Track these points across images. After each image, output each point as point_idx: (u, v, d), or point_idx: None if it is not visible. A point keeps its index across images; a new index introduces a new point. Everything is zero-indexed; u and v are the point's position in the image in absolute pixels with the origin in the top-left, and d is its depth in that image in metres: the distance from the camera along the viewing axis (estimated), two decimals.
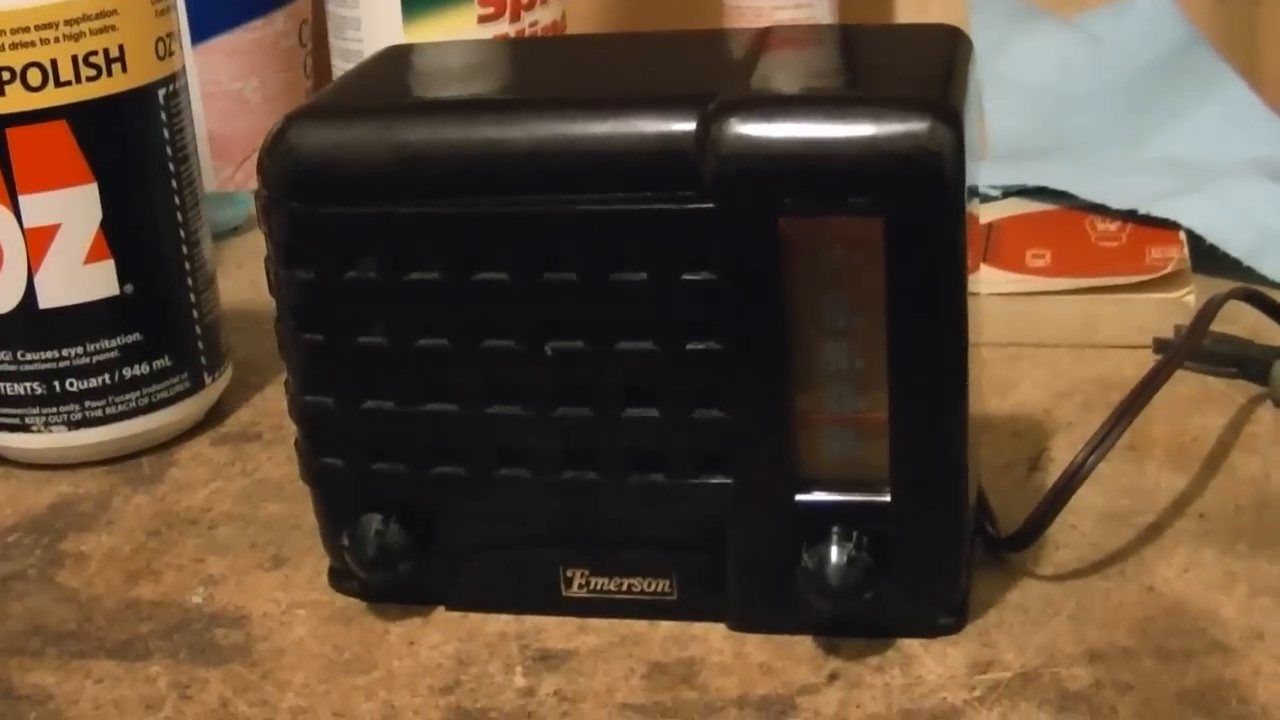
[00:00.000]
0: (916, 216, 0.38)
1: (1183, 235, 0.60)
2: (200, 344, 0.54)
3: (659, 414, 0.41)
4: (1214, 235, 0.59)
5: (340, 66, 0.67)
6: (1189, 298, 0.56)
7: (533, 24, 0.65)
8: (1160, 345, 0.55)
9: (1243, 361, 0.53)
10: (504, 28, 0.64)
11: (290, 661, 0.43)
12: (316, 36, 0.82)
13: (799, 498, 0.41)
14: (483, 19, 0.64)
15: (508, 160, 0.40)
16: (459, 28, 0.64)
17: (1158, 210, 0.60)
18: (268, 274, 0.43)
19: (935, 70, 0.41)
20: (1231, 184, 0.62)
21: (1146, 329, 0.56)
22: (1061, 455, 0.50)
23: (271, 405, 0.57)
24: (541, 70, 0.45)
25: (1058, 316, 0.57)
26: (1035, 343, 0.57)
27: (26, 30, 0.49)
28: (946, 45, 0.43)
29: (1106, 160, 0.67)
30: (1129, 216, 0.61)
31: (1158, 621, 0.42)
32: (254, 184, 0.79)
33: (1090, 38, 0.73)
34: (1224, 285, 0.58)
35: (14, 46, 0.49)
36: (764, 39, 0.44)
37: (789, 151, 0.38)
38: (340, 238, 0.41)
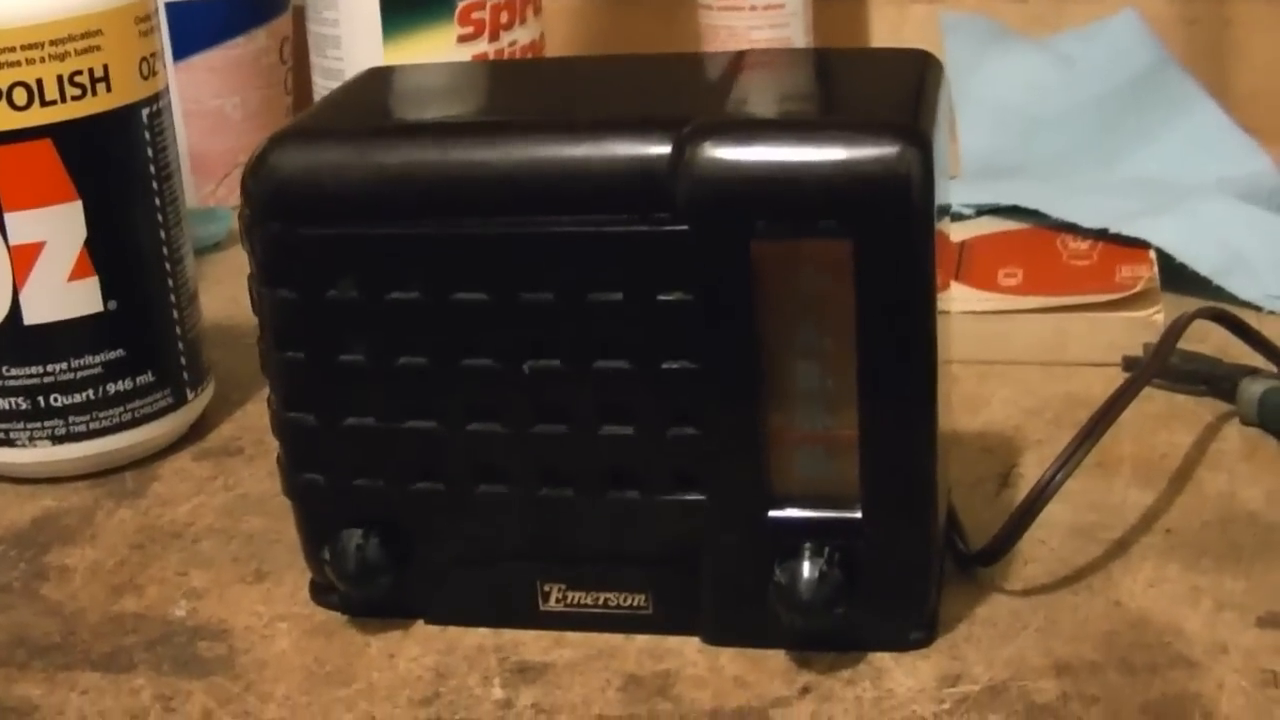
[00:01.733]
0: (885, 239, 0.39)
1: (1152, 254, 0.61)
2: (183, 360, 0.55)
3: (634, 432, 0.41)
4: (1183, 254, 0.60)
5: (321, 84, 0.68)
6: (1158, 316, 0.57)
7: (511, 43, 0.66)
8: (1129, 363, 0.56)
9: (1210, 380, 0.54)
10: (483, 47, 0.65)
11: (272, 674, 0.43)
12: (297, 54, 0.83)
13: (771, 514, 0.42)
14: (462, 39, 0.65)
15: (485, 182, 0.41)
16: (439, 47, 0.65)
17: (1128, 230, 0.61)
18: (250, 292, 0.44)
19: (905, 94, 0.42)
20: (1200, 204, 0.63)
21: (1116, 347, 0.57)
22: (1031, 472, 0.51)
23: (252, 420, 0.58)
24: (519, 93, 0.46)
25: (1028, 334, 0.58)
26: (1006, 360, 0.58)
27: (13, 50, 0.50)
28: (916, 69, 0.44)
29: (1077, 180, 0.68)
30: (1100, 235, 0.62)
31: (1123, 635, 0.43)
32: (235, 200, 0.80)
33: (1062, 59, 0.74)
34: (1193, 304, 0.59)
35: (0, 66, 0.50)
36: (738, 62, 0.45)
37: (761, 175, 0.39)
38: (321, 258, 0.42)
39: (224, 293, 0.69)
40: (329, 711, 0.42)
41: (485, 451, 0.43)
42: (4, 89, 0.50)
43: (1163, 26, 0.75)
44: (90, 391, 0.53)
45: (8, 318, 0.52)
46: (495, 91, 0.46)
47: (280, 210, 0.42)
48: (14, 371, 0.52)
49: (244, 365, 0.62)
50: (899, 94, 0.42)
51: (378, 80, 0.47)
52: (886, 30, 0.79)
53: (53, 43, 0.50)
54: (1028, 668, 0.42)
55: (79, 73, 0.51)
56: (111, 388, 0.53)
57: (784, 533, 0.42)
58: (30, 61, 0.50)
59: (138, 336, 0.54)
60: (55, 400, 0.53)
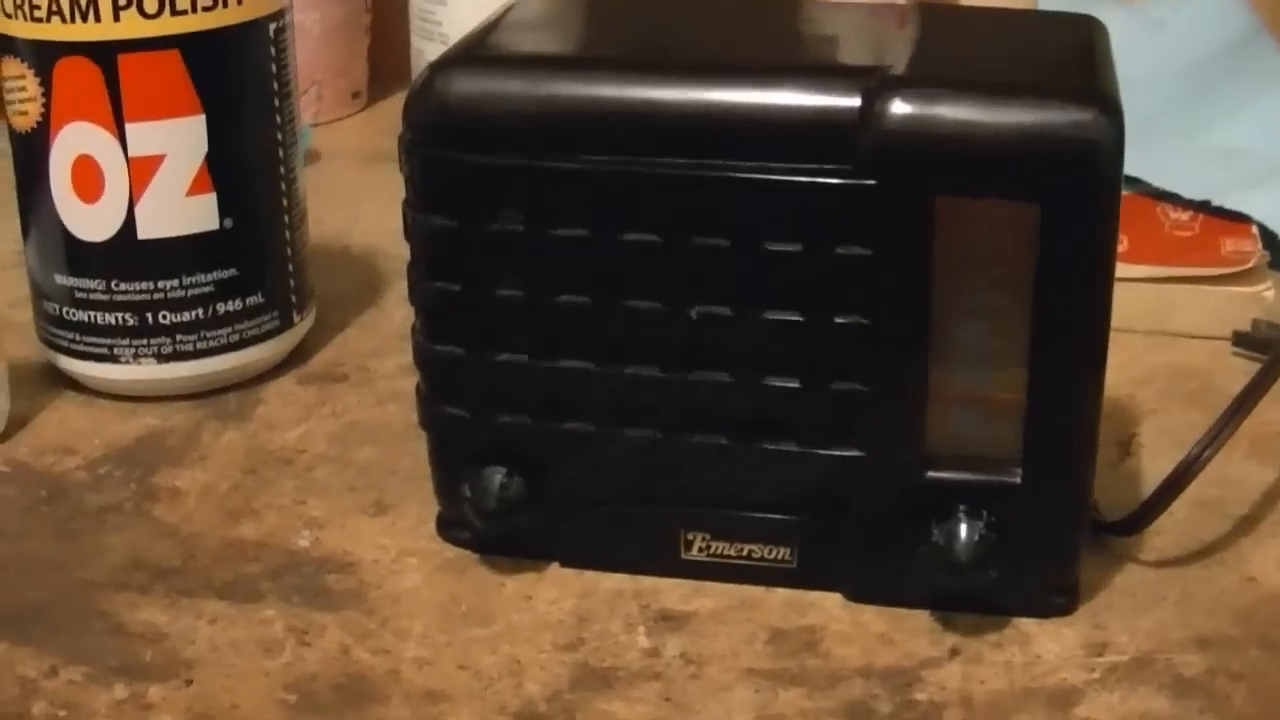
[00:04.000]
0: (1073, 205, 0.39)
1: (1254, 229, 0.60)
2: (292, 282, 0.54)
3: (797, 383, 0.41)
4: None
5: (419, 6, 0.67)
6: (1269, 293, 0.57)
7: None
8: (1239, 338, 0.56)
9: None
10: None
11: (406, 610, 0.43)
12: None
13: (928, 474, 0.41)
14: None
15: (665, 122, 0.40)
16: None
17: (1230, 203, 0.61)
18: (404, 218, 0.43)
19: (1086, 60, 0.41)
20: None
21: (1222, 320, 0.57)
22: (1150, 441, 0.51)
23: (353, 345, 0.57)
24: (687, 31, 0.45)
25: (1135, 302, 0.57)
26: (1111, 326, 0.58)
27: None
28: (1089, 34, 0.44)
29: (1168, 146, 0.68)
30: (1201, 207, 0.62)
31: (1260, 611, 0.43)
32: (311, 117, 0.79)
33: (1152, 22, 0.73)
34: None
35: None
36: (916, 17, 0.44)
37: (951, 134, 0.39)
38: (484, 187, 0.41)
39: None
40: (470, 652, 0.41)
41: (640, 394, 0.42)
42: None
43: None
44: (200, 310, 0.52)
45: (121, 231, 0.51)
46: (662, 27, 0.45)
47: (445, 136, 0.41)
48: (124, 286, 0.51)
49: (338, 287, 0.61)
50: (1080, 59, 0.42)
51: (533, 9, 0.46)
52: None
53: None
54: (1170, 640, 0.42)
55: None
56: (221, 307, 0.52)
57: (940, 492, 0.41)
58: None
59: (251, 256, 0.53)
60: (164, 318, 0.52)
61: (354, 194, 0.72)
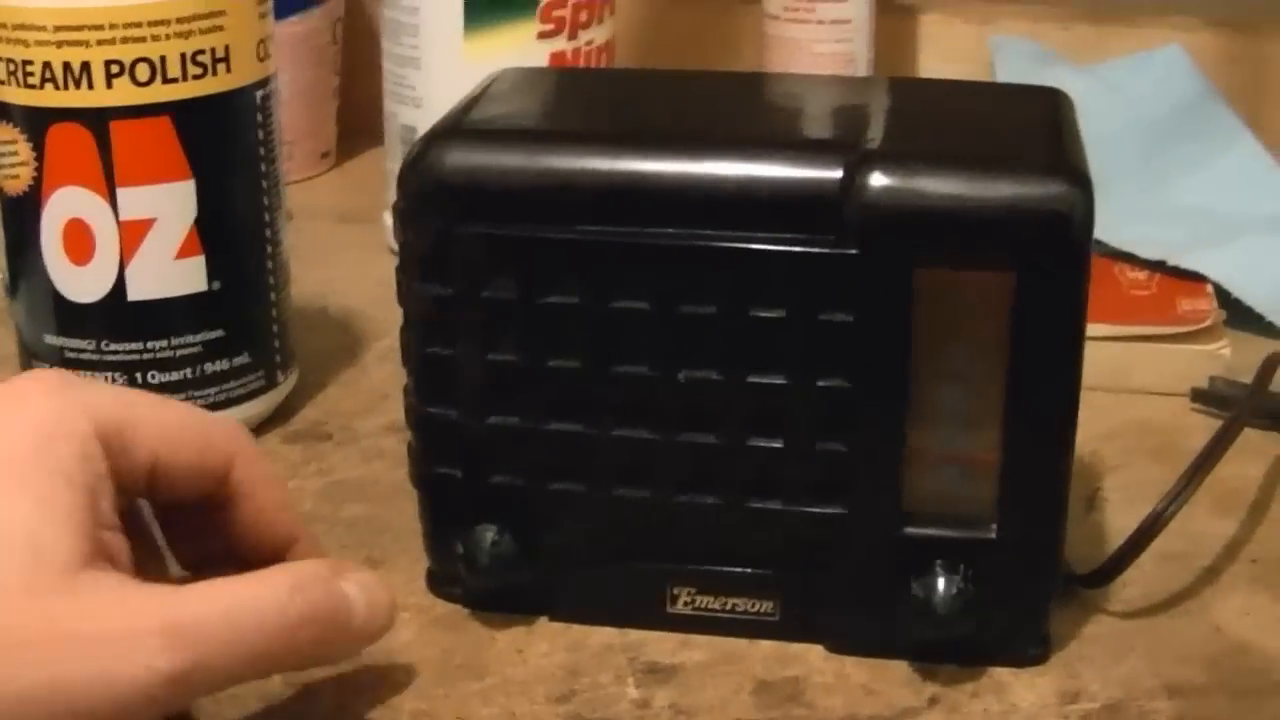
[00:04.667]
0: (1047, 273, 0.41)
1: (1209, 288, 0.63)
2: (276, 342, 0.55)
3: (782, 444, 0.43)
4: (1238, 289, 0.63)
5: (392, 70, 0.68)
6: (1225, 350, 0.59)
7: (589, 42, 0.66)
8: (1198, 395, 0.58)
9: (1277, 416, 0.56)
10: (562, 45, 0.66)
11: (402, 664, 0.44)
12: (348, 37, 0.83)
13: (907, 530, 0.43)
14: (542, 35, 0.65)
15: (655, 194, 0.42)
16: (518, 42, 0.65)
17: (1185, 262, 0.63)
18: (398, 284, 0.44)
19: (1055, 133, 0.43)
20: (1252, 239, 0.65)
21: (1181, 377, 0.59)
22: (1114, 496, 0.53)
23: (334, 405, 0.58)
24: (668, 104, 0.47)
25: (1095, 361, 0.59)
26: None
27: (139, 25, 0.50)
28: (1055, 107, 0.46)
29: (1125, 206, 0.70)
30: (1157, 267, 0.64)
31: (1227, 660, 0.44)
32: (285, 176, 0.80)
33: (1108, 86, 0.76)
34: (1247, 338, 0.61)
35: (124, 41, 0.50)
36: (887, 89, 0.46)
37: (930, 206, 0.40)
38: (479, 256, 0.43)
39: None
40: (466, 705, 0.42)
41: (629, 455, 0.43)
42: (128, 64, 0.50)
43: (1201, 61, 0.77)
44: (188, 370, 0.53)
45: (112, 292, 0.52)
46: (647, 102, 0.47)
47: (439, 206, 0.43)
48: (114, 346, 0.52)
49: (317, 346, 0.62)
50: (1049, 131, 0.43)
51: (517, 82, 0.48)
52: (936, 49, 0.81)
53: (179, 20, 0.50)
54: (1140, 688, 0.43)
55: (201, 52, 0.51)
56: (209, 367, 0.53)
57: (918, 548, 0.43)
58: (156, 38, 0.50)
59: (237, 317, 0.54)
60: (153, 377, 0.53)
61: (327, 254, 0.73)
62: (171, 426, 0.40)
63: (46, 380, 0.39)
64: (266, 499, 0.42)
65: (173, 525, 0.43)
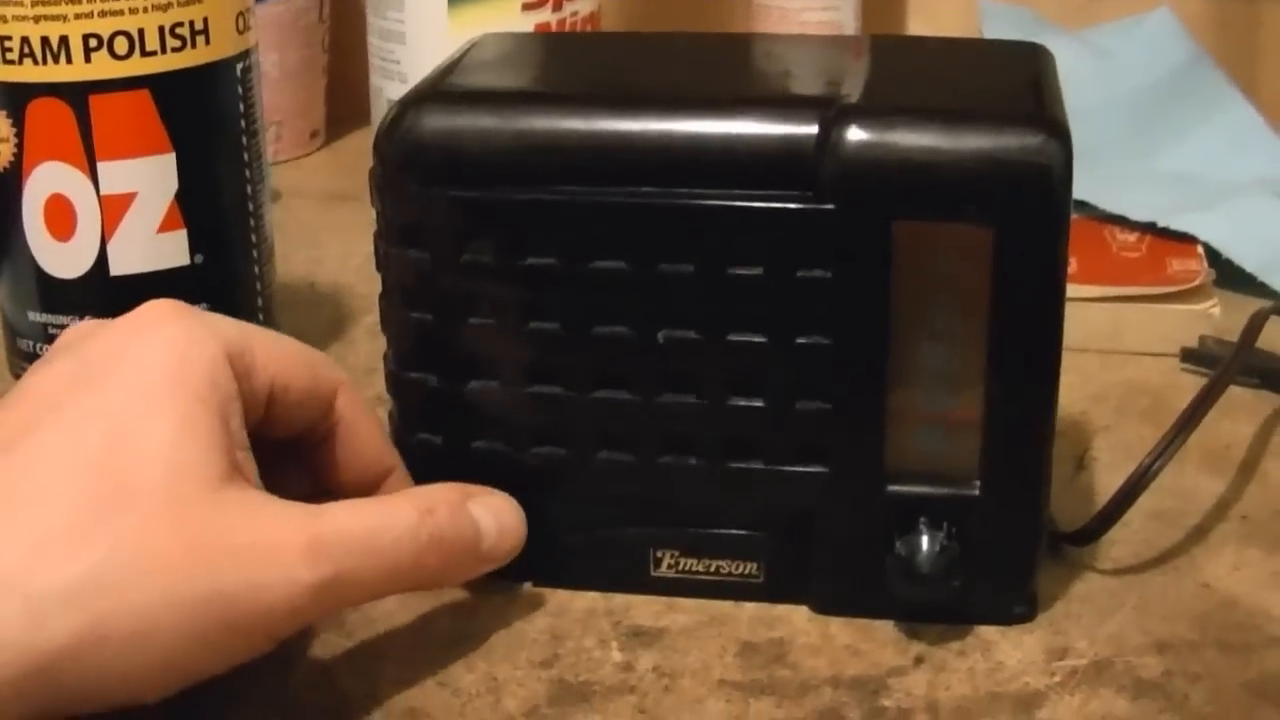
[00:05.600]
0: (1026, 227, 0.40)
1: (1200, 249, 0.62)
2: (260, 316, 0.55)
3: (763, 404, 0.42)
4: (1229, 250, 0.62)
5: (377, 44, 0.68)
6: (1215, 309, 0.58)
7: (573, 14, 0.66)
8: (1188, 354, 0.57)
9: (1266, 374, 0.56)
10: (546, 16, 0.65)
11: (384, 632, 0.44)
12: (338, 16, 0.82)
13: (890, 488, 0.43)
14: (527, 6, 0.65)
15: (631, 153, 0.41)
16: (503, 14, 0.65)
17: (1176, 224, 0.63)
18: (376, 251, 0.44)
19: (1034, 86, 0.43)
20: (1242, 201, 0.64)
21: (1171, 338, 0.58)
22: (1104, 456, 0.52)
23: None
24: (647, 67, 0.46)
25: (1087, 322, 0.59)
26: (1065, 347, 0.59)
27: None
28: (1035, 61, 0.45)
29: (1116, 172, 0.70)
30: (1147, 229, 0.64)
31: (1215, 616, 0.44)
32: (270, 157, 0.80)
33: (1098, 52, 0.75)
34: (1237, 298, 0.61)
35: (102, 14, 0.50)
36: (868, 47, 0.46)
37: (908, 160, 0.40)
38: (457, 220, 0.42)
39: None
40: (448, 671, 0.42)
41: (610, 418, 0.43)
42: (106, 37, 0.50)
43: (1194, 27, 0.76)
44: None
45: (94, 268, 0.52)
46: (625, 65, 0.47)
47: (417, 172, 0.42)
48: None
49: (304, 324, 0.62)
50: (1028, 85, 0.43)
51: (494, 47, 0.48)
52: (924, 16, 0.80)
53: None
54: (1129, 645, 0.43)
55: (180, 24, 0.51)
56: None
57: (901, 506, 0.43)
58: (134, 11, 0.50)
59: (221, 291, 0.54)
60: None
61: (316, 233, 0.73)
62: (287, 354, 0.42)
63: (174, 306, 0.40)
64: (368, 427, 0.44)
65: (270, 469, 0.42)
